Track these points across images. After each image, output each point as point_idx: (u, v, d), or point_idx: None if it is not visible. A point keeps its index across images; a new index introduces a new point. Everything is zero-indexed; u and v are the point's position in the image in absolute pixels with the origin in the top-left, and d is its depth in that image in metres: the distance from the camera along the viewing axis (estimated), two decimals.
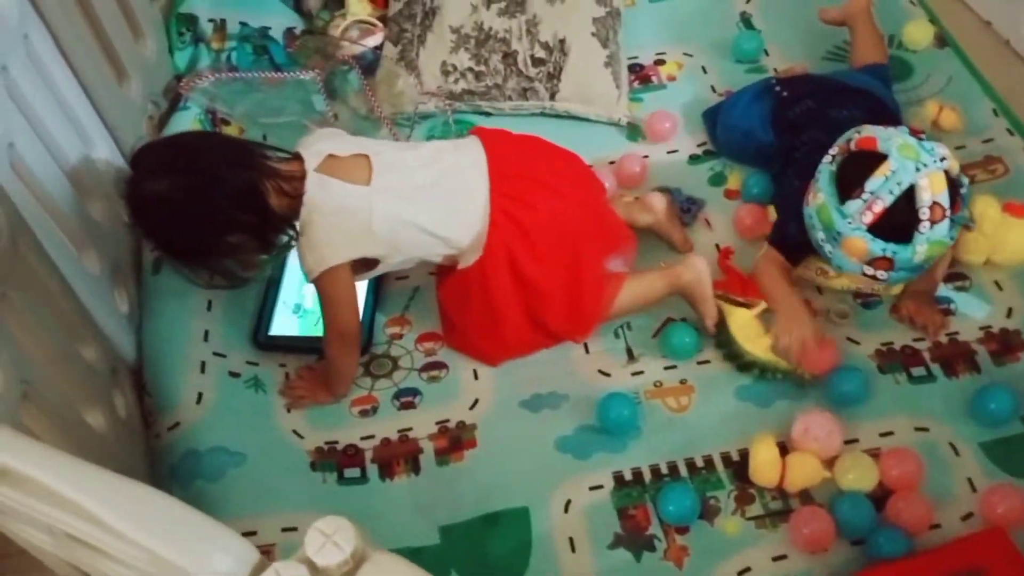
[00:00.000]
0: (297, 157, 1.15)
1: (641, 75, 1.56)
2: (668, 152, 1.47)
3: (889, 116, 1.30)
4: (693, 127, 1.50)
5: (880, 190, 1.07)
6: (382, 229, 1.14)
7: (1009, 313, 1.28)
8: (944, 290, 1.28)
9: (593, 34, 1.48)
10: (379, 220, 1.14)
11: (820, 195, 1.13)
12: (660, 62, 1.58)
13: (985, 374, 1.23)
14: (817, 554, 1.09)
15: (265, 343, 1.26)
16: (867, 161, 1.08)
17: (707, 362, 1.26)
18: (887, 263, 1.10)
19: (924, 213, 1.06)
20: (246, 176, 1.10)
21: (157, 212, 1.10)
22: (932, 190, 1.06)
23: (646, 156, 1.45)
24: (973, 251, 1.29)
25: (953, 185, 1.09)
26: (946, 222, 1.08)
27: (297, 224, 1.13)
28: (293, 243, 1.15)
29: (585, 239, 1.23)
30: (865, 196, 1.07)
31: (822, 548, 1.09)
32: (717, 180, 1.44)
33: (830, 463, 1.15)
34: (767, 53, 1.57)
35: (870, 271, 1.12)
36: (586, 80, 1.46)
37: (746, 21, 1.62)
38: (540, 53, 1.45)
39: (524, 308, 1.22)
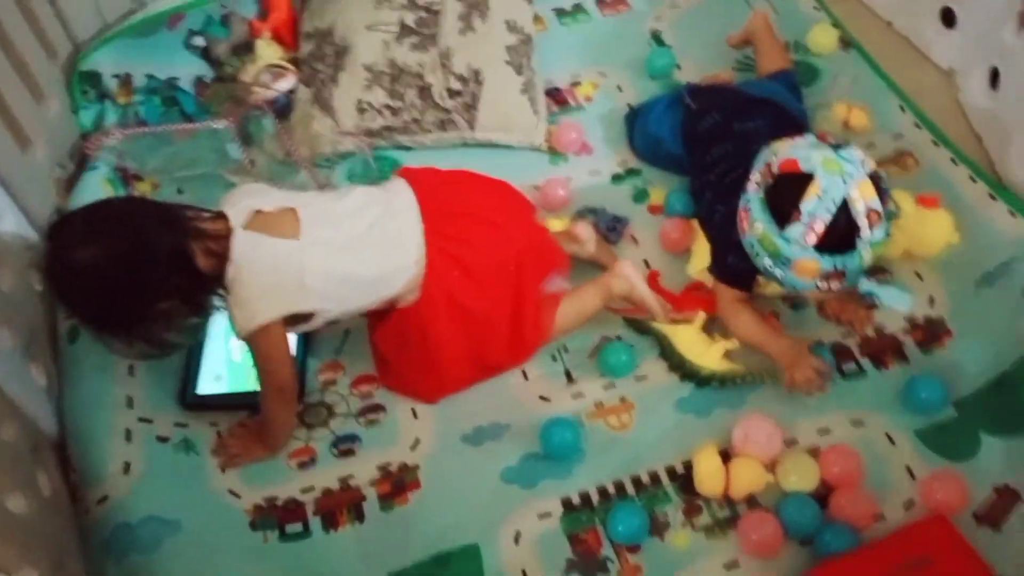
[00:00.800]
0: (222, 215, 1.12)
1: (558, 98, 1.57)
2: (590, 173, 1.48)
3: (794, 123, 1.34)
4: (614, 146, 1.51)
5: (817, 210, 1.09)
6: (316, 283, 1.12)
7: (932, 302, 1.31)
8: (867, 285, 1.30)
9: (507, 62, 1.49)
10: (312, 274, 1.12)
11: (758, 225, 1.14)
12: (576, 84, 1.59)
13: (914, 364, 1.26)
14: (768, 558, 1.10)
15: (193, 403, 1.22)
16: (795, 184, 1.11)
17: (645, 377, 1.26)
18: (839, 275, 1.13)
19: (862, 221, 1.09)
20: (173, 240, 1.06)
21: (83, 283, 1.04)
22: (864, 198, 1.09)
23: (569, 179, 1.46)
24: (891, 245, 1.31)
25: (877, 183, 1.12)
26: (882, 223, 1.11)
27: (226, 283, 1.10)
28: (223, 303, 1.12)
29: (524, 265, 1.23)
30: (804, 219, 1.09)
31: (772, 552, 1.10)
32: (640, 197, 1.45)
33: (772, 466, 1.16)
34: (679, 67, 1.59)
35: (824, 285, 1.14)
36: (504, 108, 1.47)
37: (657, 38, 1.65)
38: (456, 85, 1.45)
39: (465, 344, 1.21)
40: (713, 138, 1.35)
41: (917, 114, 1.49)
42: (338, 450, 1.21)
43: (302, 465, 1.19)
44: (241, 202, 1.14)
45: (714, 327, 1.28)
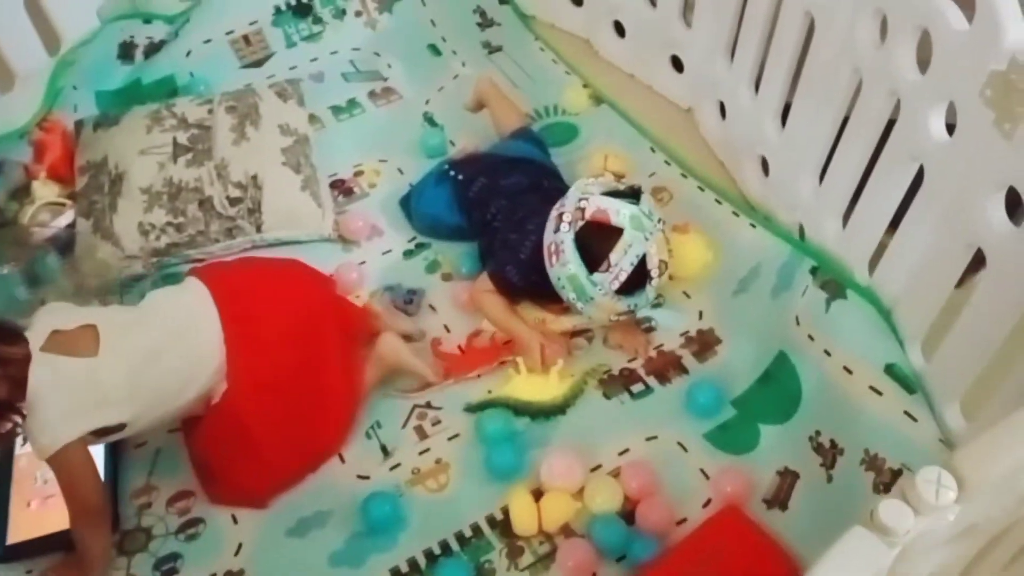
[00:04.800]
0: (22, 338, 1.11)
1: (343, 188, 1.65)
2: (383, 253, 1.56)
3: (548, 172, 1.50)
4: (401, 225, 1.60)
5: (622, 262, 1.26)
6: (119, 396, 1.13)
7: (700, 316, 1.45)
8: (645, 311, 1.43)
9: (283, 163, 1.55)
10: (114, 389, 1.13)
11: (571, 266, 1.27)
12: (359, 173, 1.68)
13: (693, 373, 1.38)
14: None
15: (4, 555, 1.19)
16: (606, 236, 1.26)
17: (457, 436, 1.33)
18: (630, 311, 1.32)
19: (654, 271, 1.28)
20: None
21: None
22: (658, 254, 1.28)
23: (363, 262, 1.54)
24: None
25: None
26: (666, 269, 1.31)
27: (23, 408, 1.09)
28: (19, 429, 1.11)
29: (324, 332, 1.28)
30: (612, 270, 1.26)
31: (590, 574, 1.17)
32: (432, 267, 1.54)
33: (581, 494, 1.24)
34: (453, 144, 1.71)
35: (615, 318, 1.34)
36: (287, 206, 1.53)
37: (429, 120, 1.76)
38: (235, 193, 1.51)
39: (282, 426, 1.23)
40: (487, 199, 1.48)
41: (666, 151, 1.66)
42: (161, 572, 1.20)
43: None
44: (40, 323, 1.15)
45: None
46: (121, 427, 1.16)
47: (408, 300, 1.48)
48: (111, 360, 1.14)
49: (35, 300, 1.43)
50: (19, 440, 1.25)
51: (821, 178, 1.35)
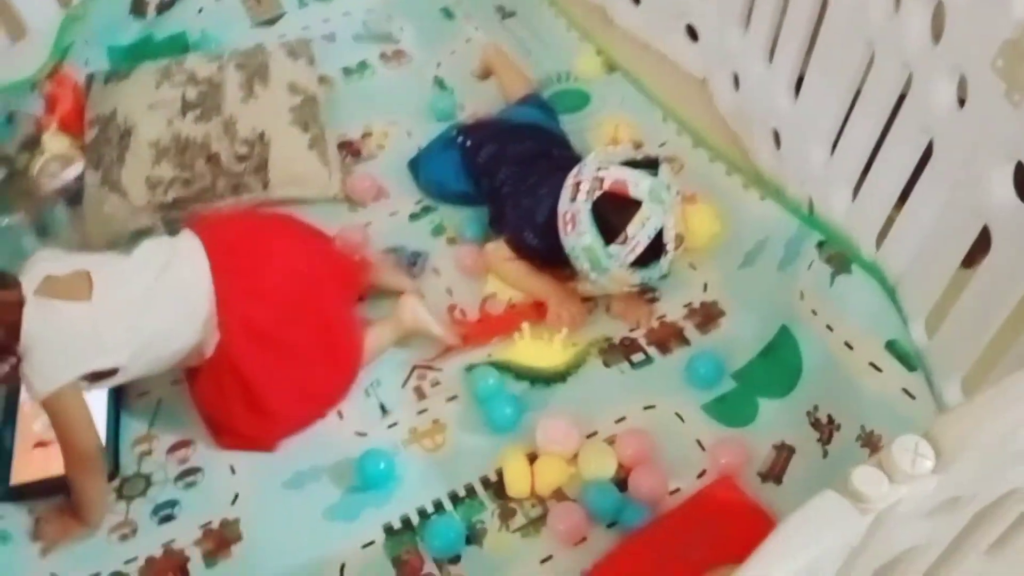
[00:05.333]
0: (16, 283, 1.14)
1: (352, 149, 1.65)
2: (389, 215, 1.56)
3: (556, 139, 1.49)
4: (409, 187, 1.59)
5: (639, 235, 1.25)
6: (111, 340, 1.15)
7: (705, 288, 1.44)
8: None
9: (291, 122, 1.55)
10: (108, 333, 1.15)
11: (587, 237, 1.27)
12: (368, 135, 1.67)
13: (695, 345, 1.37)
14: (578, 545, 1.17)
15: (7, 495, 1.22)
16: (624, 207, 1.25)
17: (455, 397, 1.33)
18: (643, 284, 1.35)
19: (670, 245, 1.28)
20: None
21: None
22: (675, 227, 1.27)
23: (369, 223, 1.54)
24: None
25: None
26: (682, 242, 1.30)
27: (19, 350, 1.11)
28: (16, 370, 1.13)
29: (324, 286, 1.29)
30: (629, 242, 1.25)
31: (580, 538, 1.17)
32: (438, 231, 1.53)
33: (575, 460, 1.24)
34: (462, 108, 1.70)
35: (627, 289, 1.35)
36: (293, 165, 1.53)
37: (439, 83, 1.75)
38: (242, 149, 1.51)
39: (283, 375, 1.25)
40: (496, 165, 1.47)
41: (678, 121, 1.64)
42: (159, 517, 1.22)
43: (123, 537, 1.20)
44: (34, 267, 1.17)
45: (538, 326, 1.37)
46: (114, 372, 1.18)
47: (412, 262, 1.48)
48: (103, 305, 1.16)
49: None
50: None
51: (832, 151, 1.33)
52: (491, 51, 1.69)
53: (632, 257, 1.26)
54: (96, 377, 1.17)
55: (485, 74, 1.71)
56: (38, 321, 1.12)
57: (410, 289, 1.41)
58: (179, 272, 1.22)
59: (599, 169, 1.28)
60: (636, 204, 1.25)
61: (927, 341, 1.17)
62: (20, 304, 1.12)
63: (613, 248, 1.26)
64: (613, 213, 1.26)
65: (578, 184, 1.29)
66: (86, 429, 1.16)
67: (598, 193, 1.27)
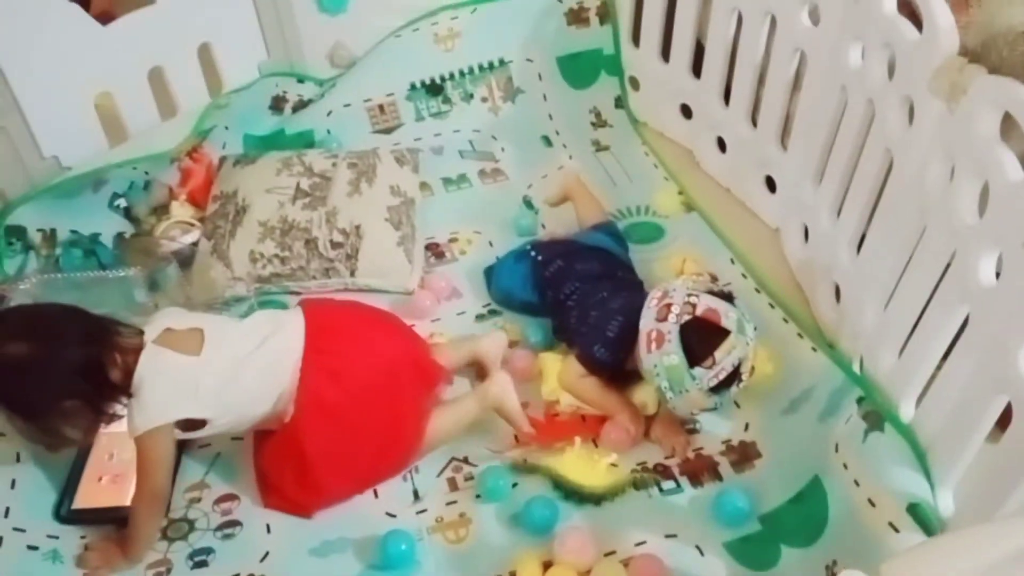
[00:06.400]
0: (141, 332, 1.29)
1: (437, 251, 1.79)
2: (458, 313, 1.67)
3: (622, 264, 1.59)
4: (480, 292, 1.71)
5: (724, 362, 1.32)
6: (207, 396, 1.28)
7: (746, 427, 1.45)
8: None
9: (386, 219, 1.71)
10: (205, 387, 1.28)
11: (674, 357, 1.33)
12: (454, 240, 1.81)
13: (727, 481, 1.38)
14: None
15: (68, 517, 1.33)
16: (712, 333, 1.33)
17: (480, 496, 1.37)
18: (714, 409, 1.42)
19: (744, 376, 1.36)
20: (91, 352, 1.22)
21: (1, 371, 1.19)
22: (752, 360, 1.35)
23: (437, 319, 1.65)
24: None
25: None
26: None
27: (131, 391, 1.25)
28: (124, 408, 1.26)
29: (399, 377, 1.37)
30: (715, 368, 1.32)
31: None
32: None
33: (588, 575, 1.26)
34: (544, 226, 1.82)
35: (697, 412, 1.43)
36: (381, 258, 1.67)
37: (527, 202, 1.89)
38: (338, 238, 1.67)
39: (342, 455, 1.33)
40: (562, 280, 1.57)
41: (745, 264, 1.70)
42: (193, 562, 1.30)
43: (158, 575, 1.29)
44: (158, 321, 1.33)
45: (591, 447, 1.41)
46: (203, 423, 1.30)
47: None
48: (208, 361, 1.29)
49: (149, 304, 1.62)
50: None
51: (885, 309, 1.35)
52: (571, 179, 1.81)
53: (715, 382, 1.32)
54: (188, 425, 1.29)
55: (559, 200, 1.82)
56: (150, 365, 1.26)
57: (494, 374, 1.47)
58: (276, 344, 1.34)
59: (689, 295, 1.36)
60: (725, 333, 1.32)
61: (953, 511, 1.14)
62: (139, 350, 1.27)
63: (698, 371, 1.32)
64: (701, 338, 1.33)
65: (669, 306, 1.36)
66: (166, 471, 1.28)
67: (687, 317, 1.33)
